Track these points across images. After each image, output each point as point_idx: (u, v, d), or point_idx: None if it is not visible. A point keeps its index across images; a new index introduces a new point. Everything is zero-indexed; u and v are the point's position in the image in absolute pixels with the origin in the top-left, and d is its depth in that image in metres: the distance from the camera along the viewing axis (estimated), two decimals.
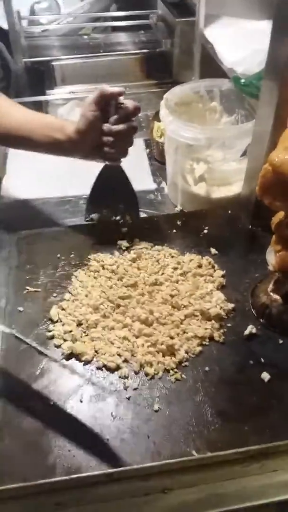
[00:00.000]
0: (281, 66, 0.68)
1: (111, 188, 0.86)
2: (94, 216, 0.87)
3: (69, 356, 0.69)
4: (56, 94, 1.55)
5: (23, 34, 1.71)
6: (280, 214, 0.64)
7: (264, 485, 0.63)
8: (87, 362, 0.69)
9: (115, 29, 2.12)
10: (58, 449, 0.58)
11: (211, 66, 1.12)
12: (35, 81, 1.59)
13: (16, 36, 1.62)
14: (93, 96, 0.76)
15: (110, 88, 0.76)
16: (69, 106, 1.45)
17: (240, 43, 0.98)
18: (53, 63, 1.68)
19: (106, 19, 2.43)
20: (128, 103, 0.77)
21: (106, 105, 0.76)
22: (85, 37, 1.90)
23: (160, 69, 1.62)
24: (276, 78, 0.70)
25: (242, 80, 0.89)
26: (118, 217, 0.89)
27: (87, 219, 0.87)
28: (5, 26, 1.65)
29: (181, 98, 1.02)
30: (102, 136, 0.78)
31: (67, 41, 1.88)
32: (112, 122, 0.77)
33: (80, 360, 0.69)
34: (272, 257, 0.68)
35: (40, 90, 1.53)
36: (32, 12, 2.95)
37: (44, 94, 1.52)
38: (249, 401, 0.64)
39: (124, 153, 0.82)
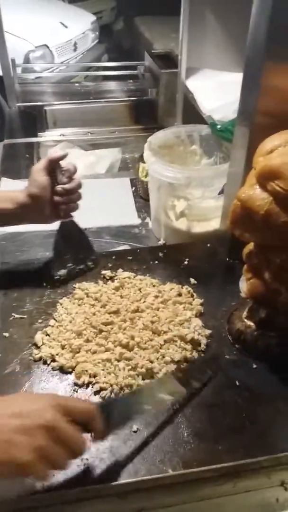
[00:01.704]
0: (251, 114, 0.77)
1: (70, 242, 0.92)
2: (61, 272, 0.91)
3: (57, 372, 0.73)
4: (47, 136, 1.64)
5: (17, 80, 1.83)
6: (250, 245, 0.70)
7: (240, 506, 0.65)
8: (70, 384, 0.71)
9: (106, 78, 2.28)
10: None
11: (192, 113, 1.22)
12: (28, 124, 1.68)
13: (10, 82, 1.73)
14: (42, 163, 0.83)
15: (56, 154, 0.83)
16: (59, 148, 1.54)
17: (217, 93, 1.08)
18: (46, 107, 1.80)
19: (97, 68, 2.60)
20: (69, 165, 0.85)
21: (53, 170, 0.83)
22: (77, 84, 2.02)
23: (147, 115, 1.74)
24: (247, 125, 0.78)
25: (218, 126, 0.98)
26: (82, 266, 0.93)
27: (56, 277, 0.90)
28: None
29: (164, 141, 1.10)
30: (53, 197, 0.84)
31: (60, 87, 2.00)
32: (62, 182, 0.84)
33: (63, 373, 0.72)
34: (244, 285, 0.73)
35: (32, 132, 1.62)
36: (27, 60, 3.15)
37: (36, 136, 1.61)
38: (223, 422, 0.67)
39: (76, 207, 0.88)
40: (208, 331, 0.80)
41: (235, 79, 1.03)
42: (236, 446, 0.63)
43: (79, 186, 0.86)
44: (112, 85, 2.04)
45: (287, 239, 0.60)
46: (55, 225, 0.89)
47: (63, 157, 0.84)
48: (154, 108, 1.64)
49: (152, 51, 1.71)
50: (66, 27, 3.54)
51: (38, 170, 0.83)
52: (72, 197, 0.86)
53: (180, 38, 1.24)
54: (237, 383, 0.72)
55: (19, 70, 2.07)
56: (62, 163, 0.84)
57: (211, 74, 1.20)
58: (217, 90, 1.08)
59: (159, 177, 0.98)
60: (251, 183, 0.62)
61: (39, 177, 0.83)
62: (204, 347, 0.77)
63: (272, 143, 0.61)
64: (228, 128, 0.92)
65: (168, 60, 1.52)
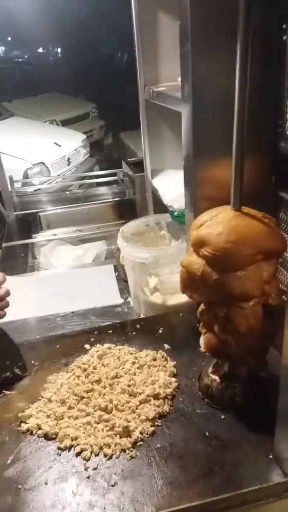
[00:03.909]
0: (193, 201, 0.94)
1: None
2: None
3: (42, 438, 0.79)
4: (41, 236, 1.85)
5: (16, 193, 2.10)
6: (202, 305, 0.81)
7: None
8: (54, 449, 0.78)
9: (95, 184, 2.59)
10: None
11: (160, 205, 1.42)
12: (24, 228, 1.91)
13: (8, 195, 1.99)
14: None
15: None
16: (51, 245, 1.73)
17: (176, 187, 1.28)
18: (40, 213, 2.04)
19: (90, 177, 2.95)
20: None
21: None
22: (68, 192, 2.30)
23: (127, 211, 1.97)
24: (192, 209, 0.95)
25: (175, 213, 1.15)
26: (8, 373, 0.94)
27: None
28: None
29: (135, 229, 1.28)
30: None
31: (53, 196, 2.28)
32: None
33: (48, 439, 0.78)
34: (202, 340, 0.83)
35: (27, 234, 1.84)
36: (26, 176, 3.57)
37: (31, 237, 1.82)
38: (194, 470, 0.72)
39: (3, 315, 0.92)
40: (175, 383, 0.88)
41: None
42: (206, 489, 0.68)
43: (7, 294, 0.91)
44: (99, 190, 2.32)
45: (222, 294, 0.72)
46: (45, 310, 0.96)
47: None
48: (133, 205, 1.87)
49: (128, 159, 1.99)
50: (59, 146, 4.05)
51: None
52: None
53: (143, 148, 1.49)
54: (207, 434, 0.78)
55: (18, 185, 2.37)
56: None
57: (171, 173, 1.43)
58: (175, 185, 1.28)
59: (131, 258, 1.14)
60: (190, 252, 0.76)
61: None
62: (177, 404, 0.85)
63: (201, 219, 0.76)
64: (183, 214, 1.09)
65: (140, 165, 1.77)
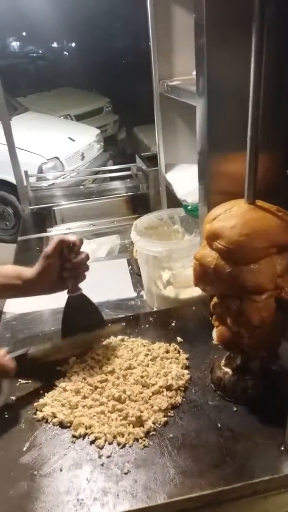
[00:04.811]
0: (207, 195, 0.94)
1: (80, 314, 0.99)
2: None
3: (57, 426, 0.81)
4: (55, 231, 1.87)
5: (31, 188, 2.12)
6: (215, 298, 0.82)
7: None
8: (68, 436, 0.79)
9: (109, 179, 2.59)
10: (41, 506, 0.67)
11: (174, 200, 1.42)
12: (39, 222, 1.93)
13: (23, 190, 2.02)
14: (52, 245, 0.92)
15: (66, 238, 0.92)
16: None
17: (189, 181, 1.28)
18: (54, 208, 2.06)
19: (104, 172, 2.96)
20: (75, 239, 0.93)
21: (61, 249, 0.93)
22: (82, 187, 2.31)
23: (141, 206, 1.97)
24: (205, 203, 0.96)
25: (189, 207, 1.16)
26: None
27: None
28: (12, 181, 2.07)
29: (149, 223, 1.29)
30: (62, 272, 0.93)
31: (67, 191, 2.29)
32: (70, 258, 0.93)
33: (63, 428, 0.80)
34: (214, 333, 0.83)
35: (42, 228, 1.86)
36: (41, 170, 3.60)
37: (45, 231, 1.84)
38: (206, 459, 0.73)
39: (83, 278, 0.97)
40: (188, 375, 0.89)
41: None
42: (218, 479, 0.69)
43: (87, 257, 0.95)
44: (112, 184, 2.33)
45: (235, 287, 0.72)
46: (59, 302, 0.99)
47: (72, 243, 0.92)
48: (146, 199, 1.87)
49: (142, 154, 1.99)
50: (73, 140, 4.07)
51: (48, 251, 0.92)
52: (79, 269, 0.95)
53: (157, 142, 1.50)
54: (219, 425, 0.79)
55: (33, 179, 2.40)
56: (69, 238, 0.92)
57: (185, 167, 1.43)
58: (189, 179, 1.29)
59: (145, 252, 1.14)
60: (203, 245, 0.77)
61: (48, 259, 0.92)
62: (190, 396, 0.86)
63: (215, 213, 0.76)
64: (196, 208, 1.09)
65: (154, 160, 1.77)
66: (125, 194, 2.17)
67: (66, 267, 0.95)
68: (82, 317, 1.01)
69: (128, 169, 2.28)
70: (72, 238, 0.94)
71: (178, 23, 1.37)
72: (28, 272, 0.96)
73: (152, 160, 1.90)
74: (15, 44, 8.10)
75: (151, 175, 1.75)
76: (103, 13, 6.96)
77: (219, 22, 0.79)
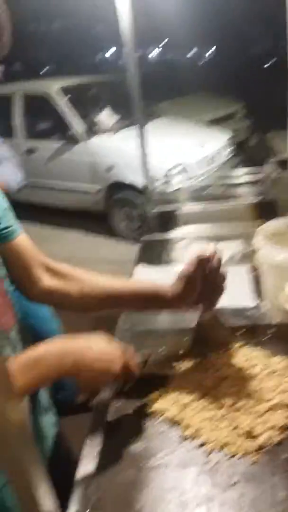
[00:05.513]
0: None
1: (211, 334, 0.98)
2: None
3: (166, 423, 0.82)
4: (177, 232, 1.91)
5: (156, 192, 2.20)
6: None
7: None
8: (176, 435, 0.80)
9: (239, 183, 2.54)
10: (144, 499, 0.69)
11: None
12: (161, 224, 1.99)
13: (150, 193, 2.10)
14: (191, 263, 0.86)
15: (207, 252, 0.86)
16: (186, 242, 1.77)
17: None
18: (178, 211, 2.10)
19: (230, 177, 2.93)
20: (215, 259, 0.86)
21: (200, 266, 0.86)
22: (207, 191, 2.31)
23: (268, 212, 1.88)
24: None
25: None
26: None
27: None
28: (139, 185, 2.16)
29: (276, 229, 1.22)
30: (199, 292, 0.87)
31: (191, 194, 2.31)
32: (208, 278, 0.87)
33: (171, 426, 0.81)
34: None
35: (164, 230, 1.91)
36: (167, 175, 3.71)
37: (168, 233, 1.89)
38: None
39: (218, 299, 0.93)
40: None
41: None
42: None
43: (224, 279, 0.90)
44: (239, 189, 2.28)
45: None
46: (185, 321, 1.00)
47: (211, 257, 0.86)
48: (273, 206, 1.79)
49: (272, 159, 1.91)
50: (202, 146, 4.10)
51: (187, 269, 0.87)
52: (218, 289, 0.90)
53: None
54: None
55: (159, 183, 2.49)
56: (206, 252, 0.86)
57: None
58: None
59: (269, 260, 1.09)
60: None
61: (189, 279, 0.86)
62: None
63: None
64: None
65: (285, 166, 1.69)
66: (251, 200, 2.10)
67: (204, 286, 0.88)
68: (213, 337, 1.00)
69: (256, 173, 2.21)
70: (208, 251, 0.87)
71: None
72: (166, 293, 0.90)
73: (283, 165, 1.81)
74: (155, 52, 8.47)
75: (281, 180, 1.66)
76: (242, 18, 6.88)
77: None
